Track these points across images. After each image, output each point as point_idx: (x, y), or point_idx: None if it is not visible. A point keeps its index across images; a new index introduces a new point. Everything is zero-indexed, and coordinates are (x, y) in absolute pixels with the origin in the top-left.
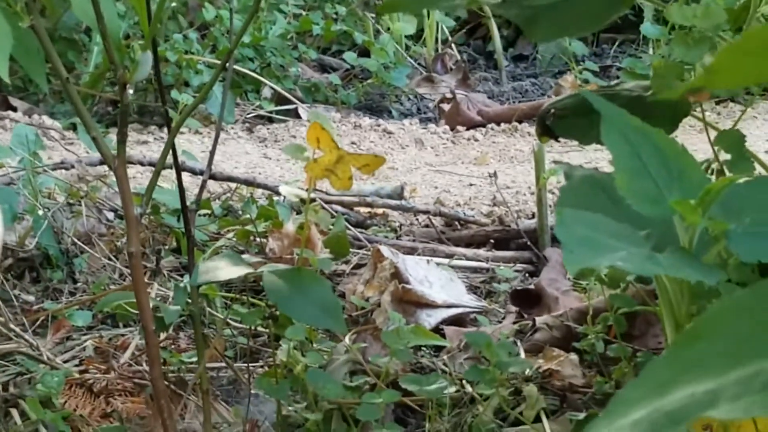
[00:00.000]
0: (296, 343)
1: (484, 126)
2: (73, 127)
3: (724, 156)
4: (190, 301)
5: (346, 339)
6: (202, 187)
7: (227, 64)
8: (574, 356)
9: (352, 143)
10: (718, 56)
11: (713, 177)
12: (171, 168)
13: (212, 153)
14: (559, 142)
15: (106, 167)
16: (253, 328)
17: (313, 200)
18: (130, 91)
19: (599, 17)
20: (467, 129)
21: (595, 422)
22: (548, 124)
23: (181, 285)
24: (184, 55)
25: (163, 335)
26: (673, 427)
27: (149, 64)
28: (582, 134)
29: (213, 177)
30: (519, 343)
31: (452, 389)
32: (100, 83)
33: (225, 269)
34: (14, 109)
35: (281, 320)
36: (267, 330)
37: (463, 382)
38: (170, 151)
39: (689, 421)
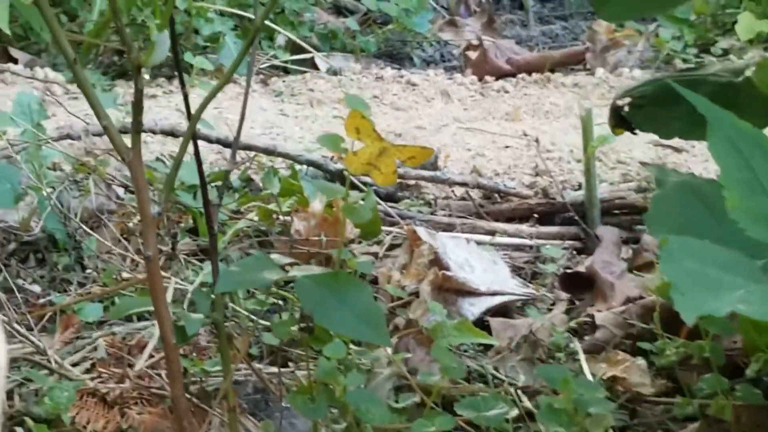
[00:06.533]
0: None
1: (513, 76)
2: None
3: None
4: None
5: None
6: (227, 177)
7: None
8: (641, 361)
9: (375, 97)
10: None
11: None
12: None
13: (238, 132)
14: (635, 134)
15: None
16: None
17: (341, 171)
18: (146, 76)
19: None
20: (496, 79)
21: None
22: (623, 114)
23: (204, 291)
24: (193, 2)
25: None
26: None
27: (166, 46)
28: (662, 127)
29: (229, 146)
30: (577, 343)
31: (513, 413)
32: (105, 32)
33: (252, 274)
34: (15, 61)
35: (317, 331)
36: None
37: (518, 392)
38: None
39: None
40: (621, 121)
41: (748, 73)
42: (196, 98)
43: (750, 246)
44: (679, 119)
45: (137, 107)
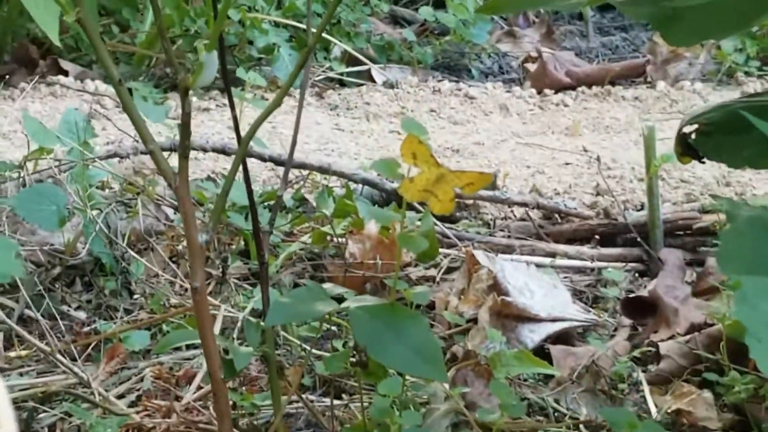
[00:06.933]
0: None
1: (573, 88)
2: (128, 92)
3: None
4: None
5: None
6: (278, 200)
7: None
8: (707, 394)
9: (432, 110)
10: None
11: None
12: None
13: (290, 154)
14: (703, 163)
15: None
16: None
17: (396, 191)
18: (194, 98)
19: (749, 17)
20: (555, 92)
21: None
22: (690, 142)
23: (254, 321)
24: (247, 13)
25: None
26: None
27: (215, 67)
28: (731, 155)
29: (283, 164)
30: (640, 372)
31: None
32: (157, 43)
33: (304, 306)
34: (65, 73)
35: (371, 366)
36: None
37: (580, 427)
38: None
39: None
40: (688, 148)
41: None
42: (249, 111)
43: None
44: (748, 147)
45: (184, 132)
